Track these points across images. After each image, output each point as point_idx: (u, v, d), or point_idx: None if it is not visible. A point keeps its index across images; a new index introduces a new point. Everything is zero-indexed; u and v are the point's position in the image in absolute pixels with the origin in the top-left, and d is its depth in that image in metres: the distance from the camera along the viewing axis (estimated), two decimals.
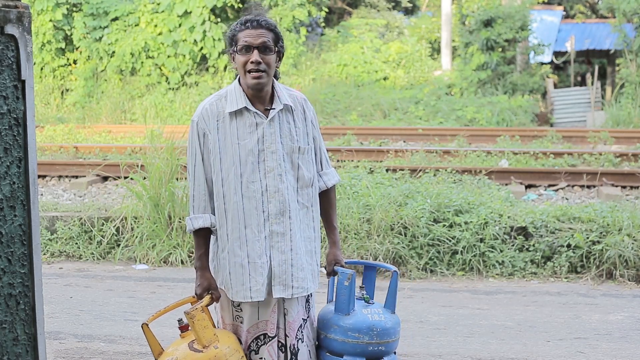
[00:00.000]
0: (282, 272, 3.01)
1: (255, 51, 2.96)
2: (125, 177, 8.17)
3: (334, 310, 3.17)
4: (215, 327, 3.11)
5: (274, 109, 3.03)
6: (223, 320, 3.15)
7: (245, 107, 3.01)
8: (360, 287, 3.28)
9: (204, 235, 3.10)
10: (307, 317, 3.17)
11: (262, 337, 3.05)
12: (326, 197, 3.26)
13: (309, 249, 3.11)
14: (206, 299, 3.04)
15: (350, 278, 3.11)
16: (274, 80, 3.09)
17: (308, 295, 3.16)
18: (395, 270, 3.28)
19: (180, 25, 19.18)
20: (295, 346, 3.09)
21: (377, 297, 3.35)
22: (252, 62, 2.95)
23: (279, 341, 3.06)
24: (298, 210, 3.06)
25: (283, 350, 3.07)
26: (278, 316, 3.06)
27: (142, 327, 3.02)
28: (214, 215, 3.07)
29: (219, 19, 19.37)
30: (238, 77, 3.09)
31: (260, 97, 3.03)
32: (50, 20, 19.63)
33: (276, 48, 3.02)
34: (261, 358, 3.05)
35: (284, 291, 3.01)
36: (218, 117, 3.03)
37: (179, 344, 2.97)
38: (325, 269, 3.29)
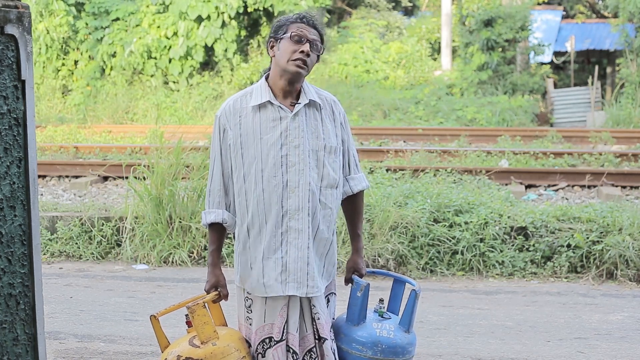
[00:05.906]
0: (298, 269, 2.96)
1: (307, 44, 2.98)
2: (127, 177, 8.18)
3: (345, 318, 3.13)
4: (226, 324, 3.12)
5: (300, 103, 3.02)
6: (239, 319, 3.13)
7: (269, 100, 2.99)
8: (380, 300, 3.19)
9: (217, 230, 3.08)
10: (333, 317, 3.15)
11: (267, 341, 2.99)
12: (352, 203, 3.20)
13: (321, 252, 3.05)
14: (210, 295, 3.04)
15: (364, 289, 3.06)
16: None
17: (330, 295, 3.13)
18: (414, 290, 3.12)
19: (182, 25, 19.16)
20: (332, 347, 3.05)
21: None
22: (301, 52, 2.97)
23: (289, 347, 2.99)
24: (319, 210, 3.00)
25: (295, 357, 2.98)
26: (298, 320, 3.00)
27: (150, 319, 3.00)
28: (228, 211, 3.06)
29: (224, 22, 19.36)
30: (265, 74, 3.08)
31: (290, 91, 3.02)
32: (60, 26, 19.58)
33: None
34: None
35: (298, 289, 2.95)
36: (241, 113, 3.02)
37: (183, 339, 2.98)
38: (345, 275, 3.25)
